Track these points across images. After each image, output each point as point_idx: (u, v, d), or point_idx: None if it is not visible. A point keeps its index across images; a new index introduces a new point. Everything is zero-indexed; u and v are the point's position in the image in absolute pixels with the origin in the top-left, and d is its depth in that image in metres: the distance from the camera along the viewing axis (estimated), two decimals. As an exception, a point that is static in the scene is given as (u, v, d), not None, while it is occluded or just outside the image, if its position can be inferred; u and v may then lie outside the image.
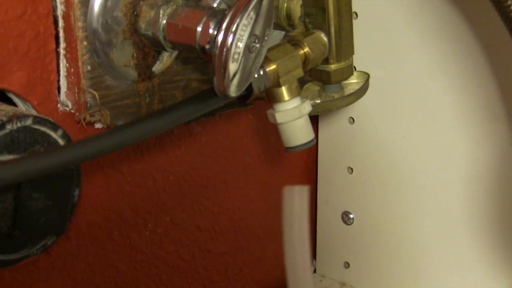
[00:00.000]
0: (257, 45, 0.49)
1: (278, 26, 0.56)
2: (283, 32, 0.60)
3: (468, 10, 0.62)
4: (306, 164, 0.76)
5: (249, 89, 0.51)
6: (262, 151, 0.71)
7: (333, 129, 0.74)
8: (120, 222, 0.63)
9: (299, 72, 0.53)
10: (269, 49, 0.52)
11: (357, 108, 0.70)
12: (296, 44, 0.54)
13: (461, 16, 0.62)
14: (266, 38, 0.49)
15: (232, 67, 0.48)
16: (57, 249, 0.57)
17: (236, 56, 0.48)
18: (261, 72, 0.51)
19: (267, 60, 0.51)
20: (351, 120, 0.72)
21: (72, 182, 0.51)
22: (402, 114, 0.69)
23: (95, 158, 0.42)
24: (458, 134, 0.67)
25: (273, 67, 0.51)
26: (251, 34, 0.48)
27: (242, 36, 0.48)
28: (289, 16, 0.55)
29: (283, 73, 0.52)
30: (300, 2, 0.54)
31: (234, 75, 0.48)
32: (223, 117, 0.66)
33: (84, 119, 0.53)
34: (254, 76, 0.51)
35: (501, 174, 0.65)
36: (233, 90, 0.49)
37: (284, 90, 0.52)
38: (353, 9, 0.61)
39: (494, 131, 0.65)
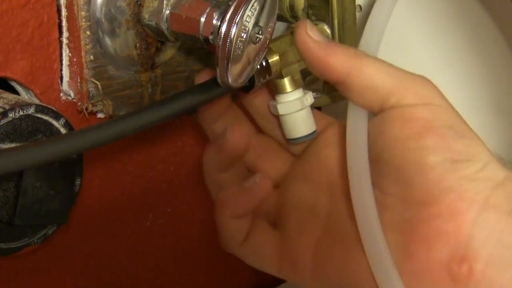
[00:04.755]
0: (261, 36, 0.49)
1: (281, 18, 0.55)
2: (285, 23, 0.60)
3: (472, 4, 0.62)
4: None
5: (252, 80, 0.51)
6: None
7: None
8: (121, 212, 0.63)
9: (302, 64, 0.52)
10: (272, 40, 0.51)
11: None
12: (299, 35, 0.54)
13: (466, 10, 0.62)
14: (269, 29, 0.49)
15: (236, 58, 0.48)
16: (57, 238, 0.57)
17: (239, 47, 0.48)
18: (264, 63, 0.51)
19: (270, 51, 0.51)
20: (354, 114, 0.71)
21: (74, 172, 0.51)
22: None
23: (97, 147, 0.42)
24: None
25: (275, 58, 0.51)
26: (255, 25, 0.48)
27: (246, 27, 0.47)
28: (292, 8, 0.55)
29: (286, 64, 0.52)
30: (304, -6, 0.54)
31: (237, 66, 0.48)
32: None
33: (87, 109, 0.53)
34: (257, 67, 0.50)
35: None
36: (236, 81, 0.49)
37: (286, 81, 0.52)
38: (357, 2, 0.61)
39: (497, 125, 0.64)
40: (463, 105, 0.65)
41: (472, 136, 0.46)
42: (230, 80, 0.48)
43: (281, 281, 0.74)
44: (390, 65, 0.48)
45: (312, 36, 0.48)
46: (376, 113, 0.47)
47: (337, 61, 0.47)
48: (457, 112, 0.47)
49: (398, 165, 0.45)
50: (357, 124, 0.48)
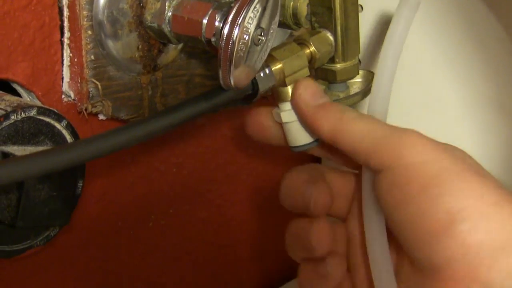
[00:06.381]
0: (263, 38, 0.48)
1: (284, 25, 0.55)
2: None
3: (476, 2, 0.62)
4: (311, 160, 0.76)
5: (255, 88, 0.50)
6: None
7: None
8: (123, 213, 0.63)
9: (305, 72, 0.52)
10: (275, 48, 0.51)
11: (360, 102, 0.70)
12: (302, 43, 0.54)
13: (469, 8, 0.62)
14: (271, 31, 0.49)
15: (238, 60, 0.47)
16: (60, 240, 0.57)
17: (241, 49, 0.47)
18: (267, 71, 0.50)
19: (273, 59, 0.51)
20: (355, 113, 0.71)
21: (76, 173, 0.51)
22: (406, 107, 0.69)
23: (103, 157, 0.43)
24: (463, 126, 0.66)
25: (279, 66, 0.51)
26: (257, 27, 0.48)
27: (248, 29, 0.47)
28: (295, 15, 0.54)
29: (289, 72, 0.51)
30: (307, 1, 0.53)
31: (240, 67, 0.48)
32: (226, 110, 0.65)
33: (86, 109, 0.53)
34: (260, 76, 0.50)
35: (507, 166, 0.65)
36: (238, 83, 0.48)
37: (290, 89, 0.52)
38: (359, 2, 0.60)
39: (500, 123, 0.64)
40: (465, 104, 0.65)
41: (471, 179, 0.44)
42: (232, 82, 0.48)
43: (285, 281, 0.74)
44: (378, 124, 0.47)
45: (308, 93, 0.49)
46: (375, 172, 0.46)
47: (325, 122, 0.48)
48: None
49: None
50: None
